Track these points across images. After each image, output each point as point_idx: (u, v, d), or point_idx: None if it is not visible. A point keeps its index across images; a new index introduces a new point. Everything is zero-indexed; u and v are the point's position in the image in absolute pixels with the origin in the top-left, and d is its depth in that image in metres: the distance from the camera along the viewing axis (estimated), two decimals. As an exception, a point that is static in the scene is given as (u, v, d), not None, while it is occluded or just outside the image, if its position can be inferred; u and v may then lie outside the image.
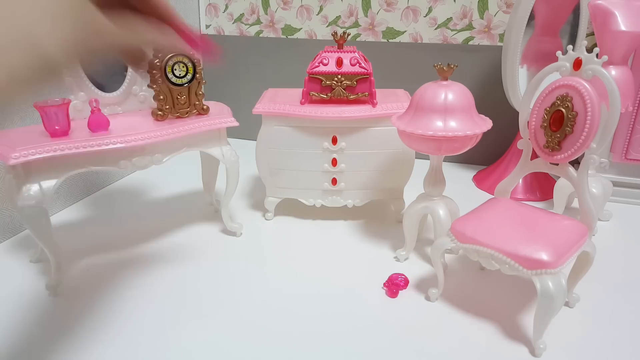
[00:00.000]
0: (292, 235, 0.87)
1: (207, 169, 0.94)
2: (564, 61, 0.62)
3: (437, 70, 0.67)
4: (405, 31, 1.20)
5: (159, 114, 0.74)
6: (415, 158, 0.85)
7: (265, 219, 0.92)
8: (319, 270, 0.76)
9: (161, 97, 0.73)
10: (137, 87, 0.79)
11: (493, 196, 0.73)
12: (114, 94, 0.76)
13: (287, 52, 1.29)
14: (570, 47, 0.61)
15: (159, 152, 0.72)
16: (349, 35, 0.82)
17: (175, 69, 0.73)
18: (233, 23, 1.33)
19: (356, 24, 1.23)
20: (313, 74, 0.81)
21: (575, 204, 0.96)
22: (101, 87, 0.74)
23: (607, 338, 0.61)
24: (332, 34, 0.83)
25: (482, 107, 0.75)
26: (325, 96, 0.82)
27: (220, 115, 0.78)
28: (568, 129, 0.61)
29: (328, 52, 0.81)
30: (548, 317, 0.56)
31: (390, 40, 1.21)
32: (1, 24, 0.28)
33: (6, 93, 0.28)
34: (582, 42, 0.63)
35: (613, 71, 0.81)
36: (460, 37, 1.17)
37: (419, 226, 0.80)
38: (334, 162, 0.85)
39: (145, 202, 1.00)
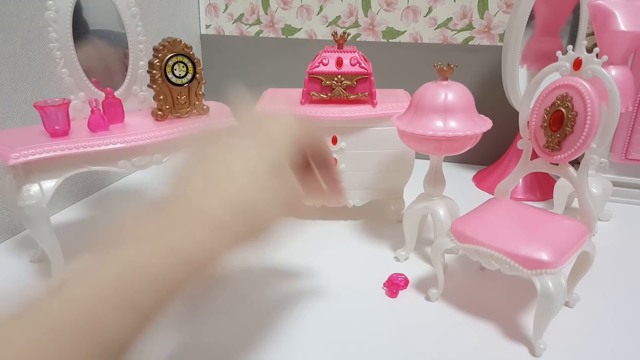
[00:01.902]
0: (292, 235, 0.87)
1: (207, 169, 0.94)
2: (564, 61, 0.62)
3: (437, 70, 0.67)
4: (405, 31, 1.20)
5: (159, 114, 0.74)
6: (415, 158, 0.85)
7: (265, 219, 0.92)
8: (318, 269, 0.76)
9: (161, 97, 0.73)
10: (137, 87, 0.79)
11: (493, 196, 0.73)
12: (114, 94, 0.76)
13: (287, 52, 1.29)
14: (570, 47, 0.61)
15: (159, 152, 0.72)
16: (349, 35, 0.83)
17: (175, 69, 0.73)
18: (233, 23, 1.33)
19: (356, 24, 1.23)
20: (313, 74, 0.81)
21: (575, 204, 0.96)
22: (101, 87, 0.75)
23: (607, 338, 0.61)
24: (332, 34, 0.83)
25: (482, 107, 0.75)
26: (325, 96, 0.82)
27: (220, 115, 0.78)
28: (568, 129, 0.61)
29: (328, 52, 0.81)
30: (548, 317, 0.56)
31: (390, 40, 1.21)
32: (231, 196, 0.37)
33: (224, 255, 0.40)
34: (582, 42, 0.63)
35: (613, 71, 0.81)
36: (460, 37, 1.17)
37: (419, 226, 0.81)
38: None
39: (145, 202, 1.00)
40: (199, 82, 0.75)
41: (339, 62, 0.80)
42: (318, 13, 1.25)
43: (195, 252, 0.36)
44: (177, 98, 0.74)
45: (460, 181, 1.12)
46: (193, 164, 0.40)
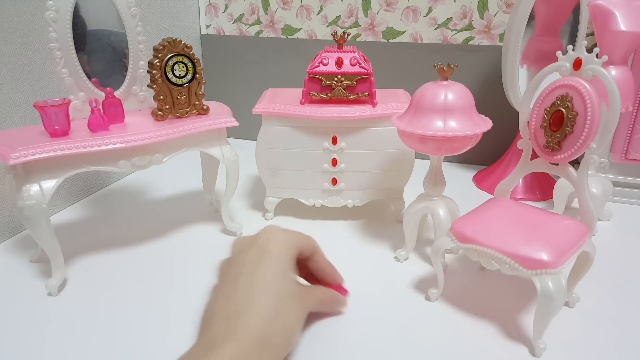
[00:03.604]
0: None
1: (207, 169, 0.94)
2: (564, 61, 0.62)
3: (437, 70, 0.67)
4: (405, 31, 1.20)
5: (159, 114, 0.74)
6: (415, 158, 0.85)
7: (265, 219, 0.92)
8: (319, 270, 0.76)
9: (161, 97, 0.73)
10: (137, 87, 0.79)
11: (493, 196, 0.73)
12: (114, 94, 0.76)
13: (287, 52, 1.29)
14: (570, 47, 0.61)
15: (159, 152, 0.72)
16: (349, 35, 0.83)
17: (175, 69, 0.73)
18: (233, 23, 1.33)
19: (356, 24, 1.23)
20: (313, 74, 0.81)
21: (575, 204, 0.96)
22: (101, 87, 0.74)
23: (608, 338, 0.61)
24: (332, 34, 0.83)
25: (482, 107, 0.75)
26: (325, 96, 0.82)
27: (220, 115, 0.78)
28: (568, 129, 0.61)
29: (328, 52, 0.81)
30: (548, 317, 0.56)
31: (390, 40, 1.22)
32: (282, 328, 0.49)
33: None
34: (582, 42, 0.63)
35: (613, 71, 0.81)
36: (460, 37, 1.17)
37: (419, 226, 0.81)
38: (334, 162, 0.85)
39: (145, 202, 1.00)
40: (199, 82, 0.75)
41: (339, 62, 0.80)
42: (318, 13, 1.25)
43: None
44: (177, 98, 0.74)
45: (460, 181, 1.12)
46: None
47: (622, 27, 0.79)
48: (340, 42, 0.81)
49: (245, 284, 0.50)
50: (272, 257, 0.52)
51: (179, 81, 0.73)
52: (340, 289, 0.63)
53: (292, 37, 1.29)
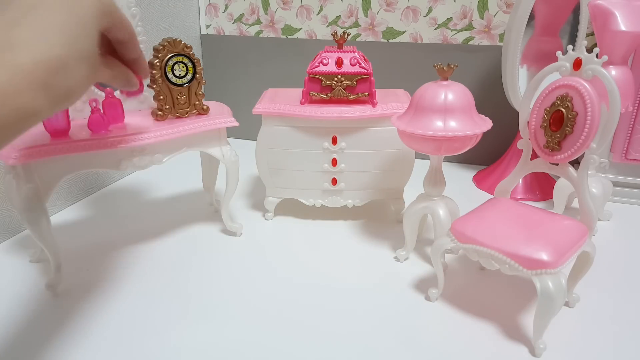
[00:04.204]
0: (292, 235, 0.87)
1: (207, 169, 0.94)
2: (564, 61, 0.62)
3: (437, 70, 0.67)
4: (405, 31, 1.20)
5: (159, 114, 0.74)
6: (415, 158, 0.85)
7: (265, 219, 0.92)
8: (318, 269, 0.76)
9: (161, 97, 0.73)
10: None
11: (493, 196, 0.73)
12: (114, 94, 0.76)
13: (287, 52, 1.29)
14: (570, 47, 0.61)
15: (159, 152, 0.72)
16: (349, 35, 0.83)
17: (175, 69, 0.73)
18: (233, 23, 1.33)
19: (356, 24, 1.23)
20: (313, 74, 0.81)
21: (575, 204, 0.96)
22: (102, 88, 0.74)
23: (607, 338, 0.61)
24: (332, 34, 0.83)
25: (482, 107, 0.76)
26: (325, 96, 0.82)
27: (220, 115, 0.78)
28: (568, 129, 0.61)
29: (328, 52, 0.81)
30: (548, 317, 0.56)
31: (390, 40, 1.21)
32: (41, 53, 0.34)
33: (41, 111, 0.35)
34: (582, 42, 0.63)
35: (613, 71, 0.81)
36: (460, 37, 1.17)
37: (419, 226, 0.81)
38: (334, 162, 0.85)
39: (145, 202, 1.00)
40: (199, 82, 0.75)
41: (339, 62, 0.80)
42: (318, 13, 1.25)
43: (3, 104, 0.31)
44: (177, 98, 0.74)
45: (460, 181, 1.12)
46: None
47: (622, 27, 0.79)
48: (340, 42, 0.81)
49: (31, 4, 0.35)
50: (80, 4, 0.38)
51: (179, 81, 0.73)
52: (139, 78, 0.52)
53: (292, 37, 1.29)
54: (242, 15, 1.32)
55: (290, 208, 0.94)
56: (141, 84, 0.59)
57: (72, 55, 0.36)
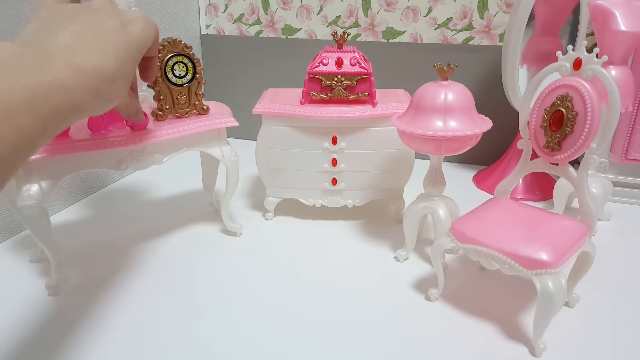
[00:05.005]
0: (292, 235, 0.87)
1: (207, 169, 0.94)
2: (564, 61, 0.62)
3: (437, 70, 0.67)
4: (405, 31, 1.20)
5: (159, 114, 0.74)
6: (415, 158, 0.85)
7: (265, 219, 0.92)
8: (318, 269, 0.76)
9: (161, 97, 0.73)
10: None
11: (493, 196, 0.73)
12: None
13: (287, 52, 1.29)
14: (570, 47, 0.61)
15: (159, 152, 0.72)
16: (349, 35, 0.83)
17: (175, 69, 0.73)
18: (233, 23, 1.33)
19: (356, 24, 1.23)
20: (313, 74, 0.81)
21: (575, 204, 0.96)
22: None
23: (607, 338, 0.61)
24: (332, 34, 0.83)
25: (482, 107, 0.76)
26: (325, 96, 0.82)
27: (220, 115, 0.78)
28: (568, 129, 0.61)
29: (328, 52, 0.81)
30: (548, 317, 0.56)
31: (390, 40, 1.22)
32: (96, 63, 0.40)
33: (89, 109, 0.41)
34: (582, 42, 0.63)
35: (613, 71, 0.81)
36: (460, 37, 1.17)
37: (419, 226, 0.81)
38: (334, 162, 0.85)
39: (145, 202, 1.00)
40: (199, 82, 0.75)
41: (339, 62, 0.80)
42: (318, 13, 1.25)
43: (61, 97, 0.36)
44: (177, 98, 0.74)
45: (460, 181, 1.12)
46: (60, 18, 0.41)
47: (622, 27, 0.79)
48: (340, 42, 0.81)
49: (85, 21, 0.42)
50: (132, 34, 0.45)
51: (179, 81, 0.73)
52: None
53: (292, 37, 1.29)
54: (242, 15, 1.32)
55: (290, 208, 0.94)
56: (146, 117, 0.67)
57: (121, 72, 0.42)
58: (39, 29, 0.40)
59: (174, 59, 0.72)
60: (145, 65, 0.56)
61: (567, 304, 0.66)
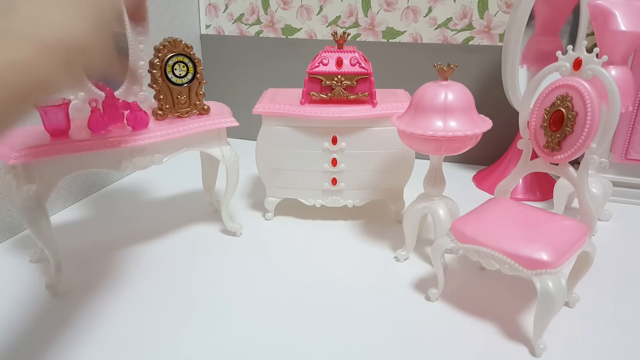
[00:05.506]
0: (292, 235, 0.87)
1: (207, 169, 0.94)
2: (564, 61, 0.62)
3: (437, 70, 0.67)
4: (405, 31, 1.20)
5: (159, 114, 0.74)
6: (415, 158, 0.85)
7: (265, 219, 0.92)
8: (318, 269, 0.76)
9: (161, 96, 0.73)
10: (137, 87, 0.79)
11: (493, 196, 0.73)
12: (114, 94, 0.76)
13: (287, 52, 1.29)
14: (570, 47, 0.61)
15: (159, 152, 0.72)
16: (349, 35, 0.83)
17: (176, 69, 0.73)
18: (233, 23, 1.33)
19: (356, 24, 1.23)
20: (313, 74, 0.81)
21: (575, 204, 0.96)
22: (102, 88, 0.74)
23: (607, 338, 0.61)
24: (332, 34, 0.83)
25: (482, 107, 0.75)
26: (325, 96, 0.82)
27: (220, 115, 0.78)
28: (568, 129, 0.61)
29: (328, 52, 0.81)
30: (548, 317, 0.56)
31: (390, 40, 1.21)
32: (63, 31, 0.36)
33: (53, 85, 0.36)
34: (582, 42, 0.63)
35: (613, 71, 0.81)
36: (460, 37, 1.17)
37: (419, 226, 0.81)
38: (334, 162, 0.85)
39: (145, 202, 1.00)
40: (199, 82, 0.75)
41: (339, 62, 0.80)
42: (318, 13, 1.25)
43: (21, 74, 0.34)
44: (177, 98, 0.74)
45: (460, 181, 1.12)
46: None
47: (622, 27, 0.79)
48: (340, 42, 0.81)
49: None
50: None
51: (179, 81, 0.73)
52: None
53: (292, 37, 1.29)
54: (242, 15, 1.32)
55: (290, 208, 0.94)
56: (147, 116, 0.63)
57: (92, 40, 0.38)
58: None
59: (175, 59, 0.72)
60: (133, 2, 0.48)
61: (567, 304, 0.66)
